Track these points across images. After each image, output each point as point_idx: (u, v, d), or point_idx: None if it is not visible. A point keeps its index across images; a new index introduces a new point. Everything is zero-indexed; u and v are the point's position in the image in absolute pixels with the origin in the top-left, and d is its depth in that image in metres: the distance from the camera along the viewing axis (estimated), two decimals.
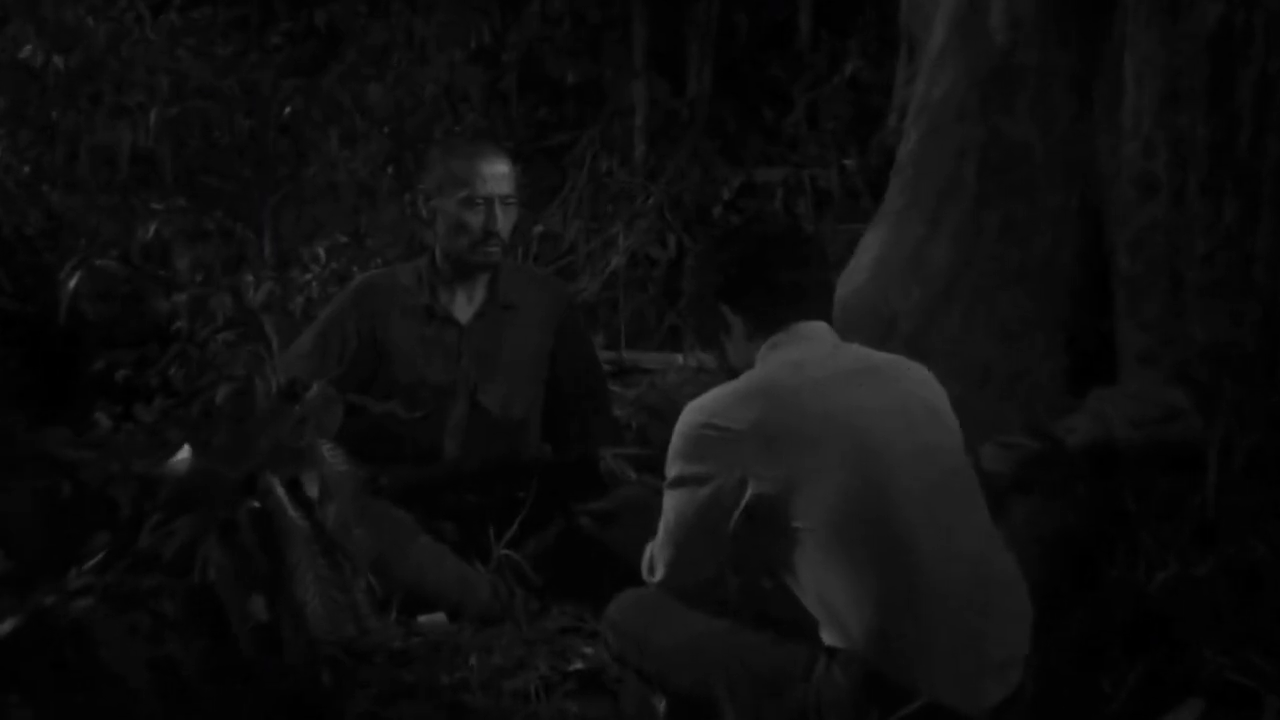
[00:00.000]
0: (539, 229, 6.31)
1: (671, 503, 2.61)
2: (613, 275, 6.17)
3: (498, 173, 3.63)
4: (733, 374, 2.74)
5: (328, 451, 2.30)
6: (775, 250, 2.70)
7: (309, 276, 4.94)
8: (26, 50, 5.36)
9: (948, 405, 2.70)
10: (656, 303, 6.16)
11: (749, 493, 2.49)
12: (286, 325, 4.33)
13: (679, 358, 5.18)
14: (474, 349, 3.70)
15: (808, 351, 2.64)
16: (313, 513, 2.24)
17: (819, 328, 2.67)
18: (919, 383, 2.69)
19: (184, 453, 2.38)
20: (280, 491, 2.23)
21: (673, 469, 2.59)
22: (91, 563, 2.30)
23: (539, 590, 3.37)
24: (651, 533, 2.76)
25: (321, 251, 5.14)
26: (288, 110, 5.92)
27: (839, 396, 2.53)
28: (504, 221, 3.66)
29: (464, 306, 3.73)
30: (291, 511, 2.19)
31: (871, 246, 4.19)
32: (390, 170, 5.82)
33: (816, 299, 2.70)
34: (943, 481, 2.55)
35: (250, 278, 4.52)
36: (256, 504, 2.26)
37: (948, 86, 4.17)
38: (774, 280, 2.67)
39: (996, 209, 4.08)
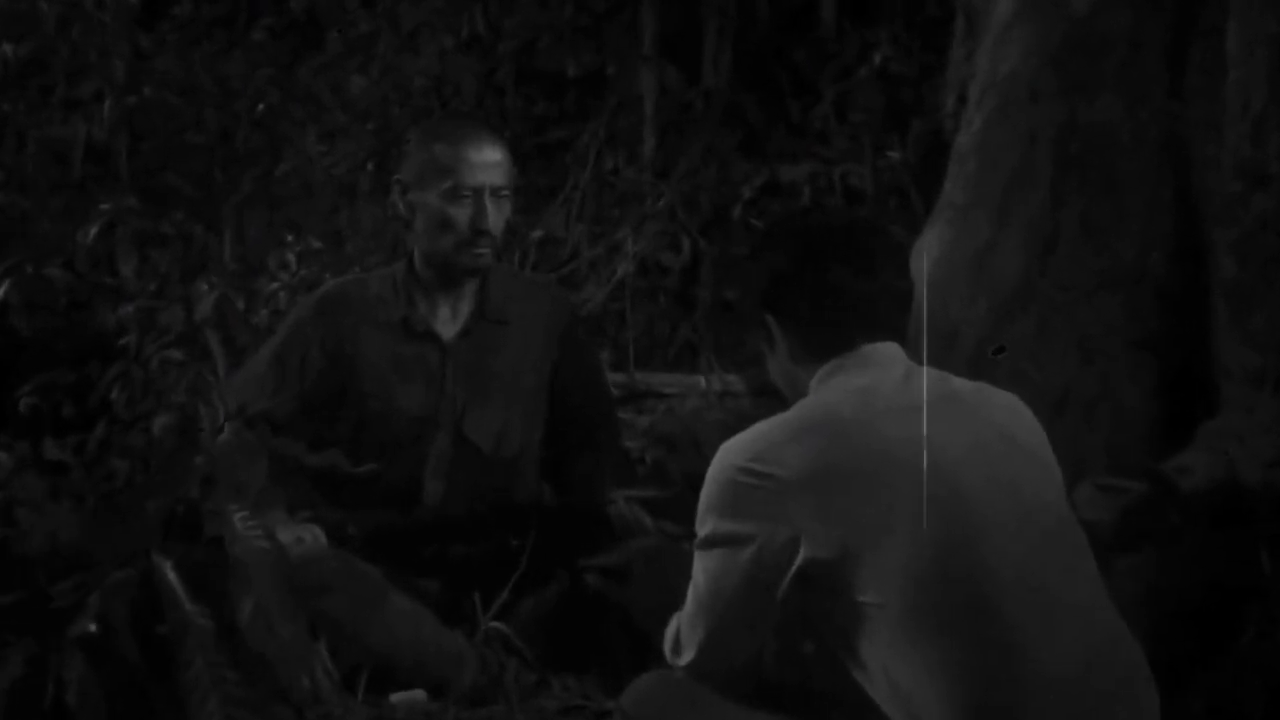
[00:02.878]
0: (538, 233, 6.24)
1: (704, 568, 2.37)
2: (620, 285, 6.11)
3: (488, 160, 3.48)
4: (759, 394, 2.59)
5: (241, 521, 1.79)
6: (838, 249, 2.45)
7: (276, 285, 4.78)
8: None
9: (1047, 444, 2.45)
10: (669, 315, 6.08)
11: (801, 556, 2.26)
12: (254, 342, 4.20)
13: (700, 379, 5.08)
14: (459, 371, 3.56)
15: (875, 377, 2.40)
16: (222, 606, 1.72)
17: (889, 350, 2.42)
18: (1012, 417, 2.46)
19: None
20: (172, 577, 1.73)
21: (705, 525, 2.35)
22: None
23: (535, 662, 3.26)
24: (672, 593, 2.58)
25: (292, 257, 4.98)
26: (261, 106, 5.90)
27: (915, 435, 2.29)
28: (496, 217, 3.48)
29: (448, 320, 3.57)
30: (188, 606, 1.67)
31: (928, 249, 4.01)
32: (370, 167, 5.79)
33: (889, 314, 2.46)
34: (1047, 543, 2.31)
35: (206, 286, 4.33)
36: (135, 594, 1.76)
37: (1016, 62, 3.99)
38: (835, 289, 2.42)
39: (1075, 204, 3.91)
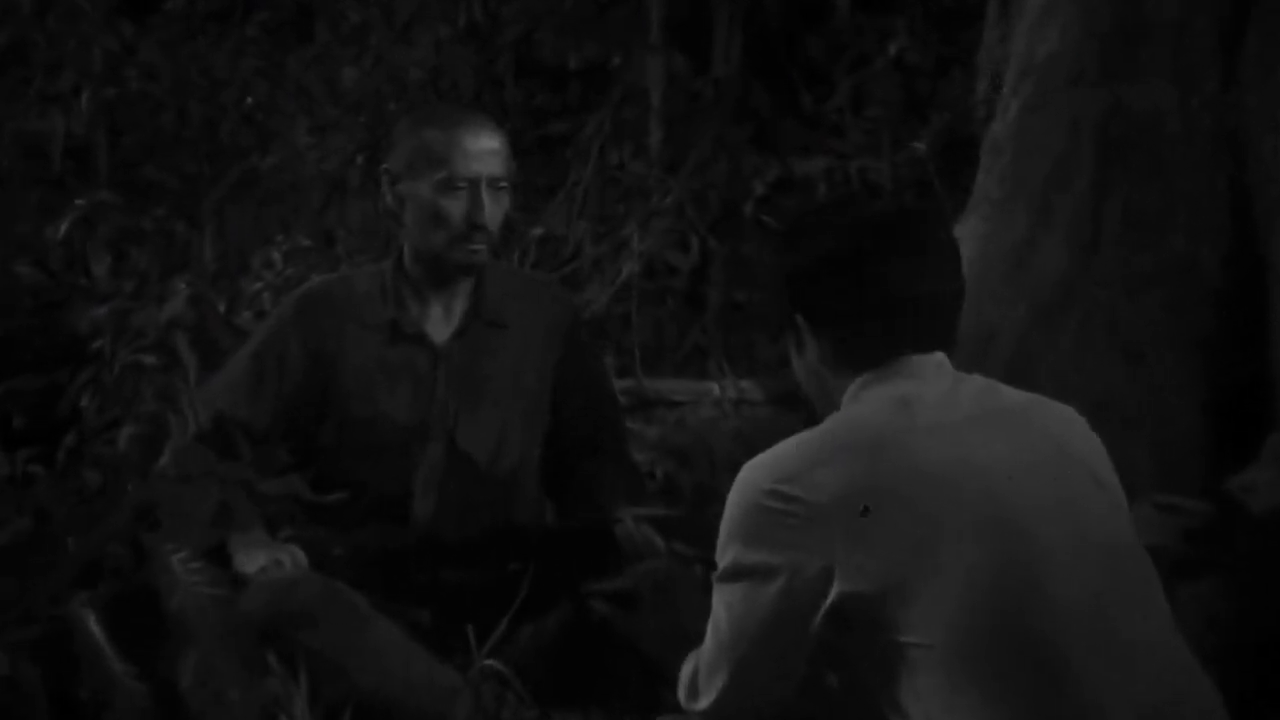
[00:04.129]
0: (538, 231, 6.18)
1: (725, 603, 2.29)
2: (625, 286, 6.06)
3: (485, 148, 3.40)
4: (779, 403, 2.54)
5: (182, 564, 1.57)
6: (884, 244, 2.33)
7: (260, 285, 4.70)
8: None
9: (1109, 462, 2.36)
10: (677, 318, 6.07)
11: (834, 590, 2.17)
12: (236, 346, 4.10)
13: (713, 386, 5.01)
14: (452, 376, 3.47)
15: (917, 389, 2.29)
16: (157, 666, 1.50)
17: (935, 361, 2.32)
18: (1070, 432, 2.37)
19: None
20: (96, 631, 1.51)
21: (726, 555, 2.28)
22: None
23: (535, 698, 3.13)
24: (685, 623, 2.62)
25: (278, 256, 4.92)
26: (249, 100, 5.98)
27: (963, 453, 2.21)
28: (493, 211, 3.38)
29: (440, 322, 3.49)
30: (115, 665, 1.45)
31: (962, 246, 3.68)
32: (361, 161, 5.75)
33: (939, 320, 2.36)
34: (1112, 573, 2.22)
35: (183, 285, 4.18)
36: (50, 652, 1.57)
37: (1057, 43, 3.95)
38: (879, 290, 2.32)
39: (1119, 197, 3.87)
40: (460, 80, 6.47)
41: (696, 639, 2.43)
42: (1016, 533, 2.17)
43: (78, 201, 4.61)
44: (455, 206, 3.36)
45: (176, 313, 3.66)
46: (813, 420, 2.41)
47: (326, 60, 6.40)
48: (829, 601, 2.18)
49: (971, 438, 2.23)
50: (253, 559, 3.11)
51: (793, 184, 6.13)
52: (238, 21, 6.76)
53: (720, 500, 2.45)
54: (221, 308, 4.47)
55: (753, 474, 2.26)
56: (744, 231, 6.02)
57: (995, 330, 3.87)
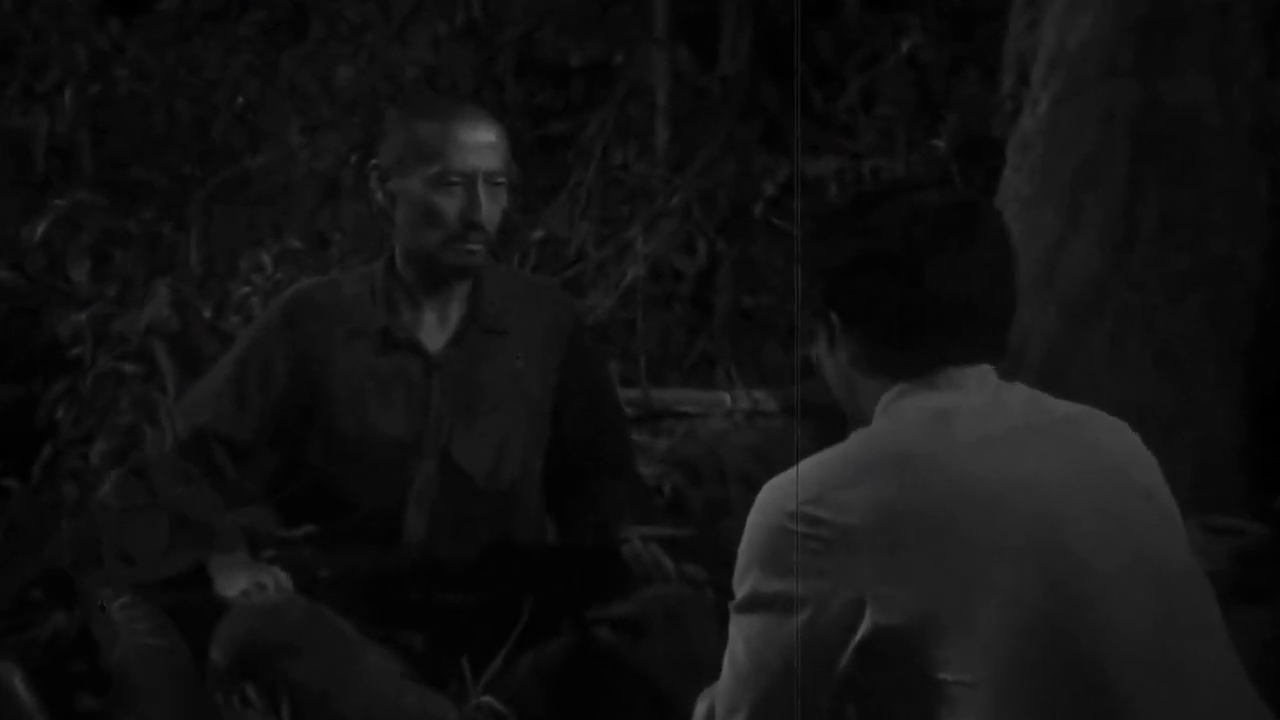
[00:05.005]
0: (539, 234, 6.14)
1: (744, 636, 2.17)
2: (629, 290, 6.04)
3: (481, 141, 3.30)
4: (797, 415, 2.45)
5: (124, 611, 1.43)
6: (935, 240, 2.20)
7: (248, 290, 4.60)
8: None
9: (1164, 482, 2.25)
10: (685, 324, 6.03)
11: (866, 623, 2.06)
12: (222, 353, 4.06)
13: (725, 396, 4.95)
14: (447, 387, 3.37)
15: (957, 400, 2.17)
16: None
17: (980, 373, 2.21)
18: (1123, 448, 2.25)
19: None
20: (21, 690, 1.34)
21: (746, 583, 2.16)
22: None
23: None
24: (697, 651, 2.71)
25: (268, 259, 4.80)
26: (240, 99, 5.90)
27: (1010, 469, 2.09)
28: (489, 208, 3.28)
29: (434, 329, 3.39)
30: None
31: None
32: (355, 160, 5.62)
33: (987, 327, 2.23)
34: (1172, 601, 2.11)
35: (164, 289, 4.14)
36: None
37: (1089, 33, 3.97)
38: (925, 292, 2.18)
39: (1156, 195, 3.90)
40: (459, 79, 6.41)
41: (709, 669, 2.31)
42: (1068, 556, 2.05)
43: (56, 202, 4.53)
44: (450, 204, 3.25)
45: (155, 317, 3.59)
46: (824, 432, 2.29)
47: (321, 58, 6.34)
48: (859, 636, 2.06)
49: (1017, 453, 2.11)
50: (233, 582, 3.04)
51: (804, 184, 6.06)
52: (233, 21, 6.70)
53: (732, 517, 2.34)
54: (207, 313, 4.45)
55: (774, 494, 2.14)
56: (753, 233, 6.01)
57: (1024, 337, 3.84)
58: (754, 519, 2.15)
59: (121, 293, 4.33)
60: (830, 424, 2.47)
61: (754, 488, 2.48)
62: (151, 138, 5.73)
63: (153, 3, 6.34)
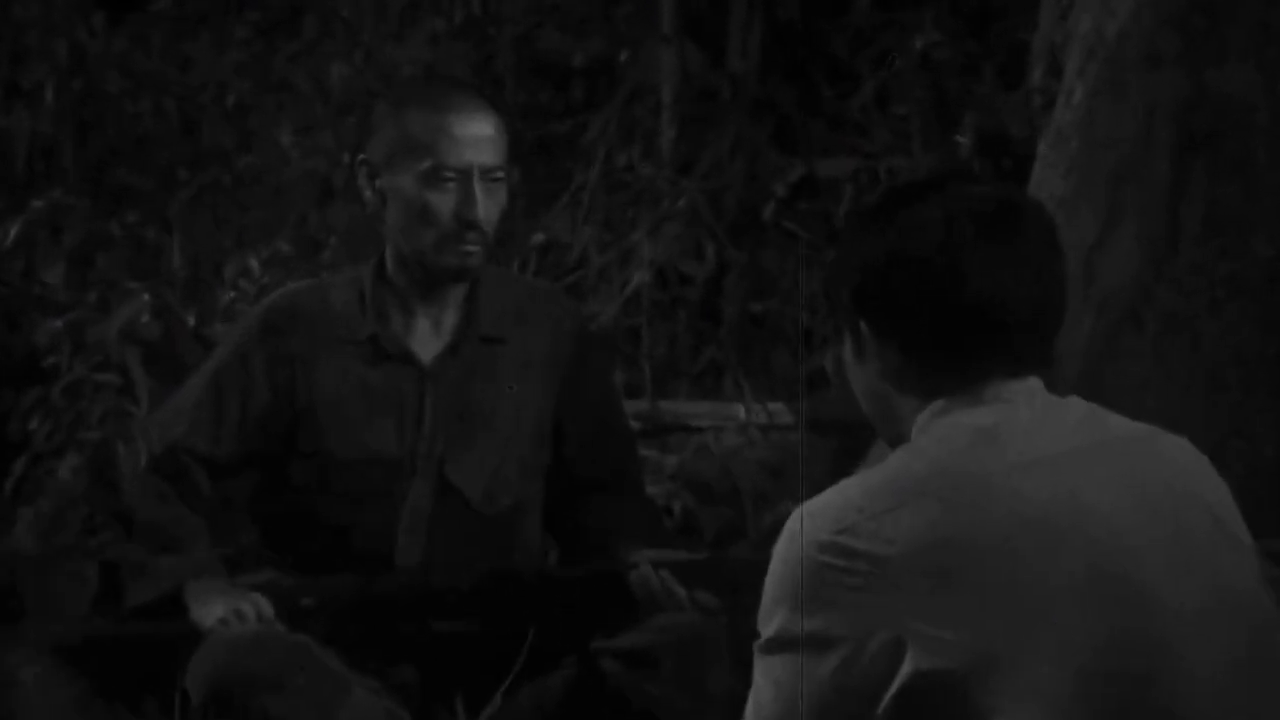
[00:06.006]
0: (540, 238, 6.15)
1: (771, 679, 2.04)
2: (634, 297, 6.04)
3: (478, 134, 3.22)
4: (819, 430, 2.55)
5: (35, 679, 1.52)
6: (978, 242, 2.07)
7: (233, 296, 4.57)
8: None
9: (1234, 505, 2.14)
10: (692, 331, 6.02)
11: (907, 667, 1.93)
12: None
13: (738, 409, 4.90)
14: (442, 401, 3.28)
15: (1007, 415, 2.04)
16: None
17: (1028, 386, 2.09)
18: (1191, 469, 2.15)
19: None
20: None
21: (773, 621, 2.03)
22: None
23: None
24: (709, 686, 2.77)
25: (256, 263, 4.78)
26: (231, 99, 5.91)
27: (1069, 493, 1.97)
28: (487, 206, 3.18)
29: (428, 337, 3.29)
30: None
31: None
32: (347, 160, 5.41)
33: (1035, 336, 2.10)
34: (1249, 639, 2.00)
35: (146, 296, 4.19)
36: None
37: (1128, 20, 3.79)
38: (966, 295, 2.04)
39: (1200, 196, 3.74)
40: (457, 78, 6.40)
41: (722, 704, 2.35)
42: (1138, 591, 1.93)
43: (34, 203, 4.57)
44: (443, 201, 3.14)
45: (127, 322, 3.50)
46: (844, 449, 2.24)
47: (314, 56, 6.37)
48: (898, 682, 1.91)
49: (1076, 474, 1.98)
50: (210, 610, 2.96)
51: (816, 186, 6.11)
52: (230, 22, 6.75)
53: (748, 539, 2.19)
54: (191, 320, 4.38)
55: (805, 523, 2.00)
56: (763, 238, 5.99)
57: (1060, 348, 3.74)
58: (781, 551, 2.01)
59: (102, 298, 4.31)
60: (850, 439, 2.31)
61: (770, 507, 2.33)
62: (138, 138, 5.77)
63: (147, 2, 6.38)
